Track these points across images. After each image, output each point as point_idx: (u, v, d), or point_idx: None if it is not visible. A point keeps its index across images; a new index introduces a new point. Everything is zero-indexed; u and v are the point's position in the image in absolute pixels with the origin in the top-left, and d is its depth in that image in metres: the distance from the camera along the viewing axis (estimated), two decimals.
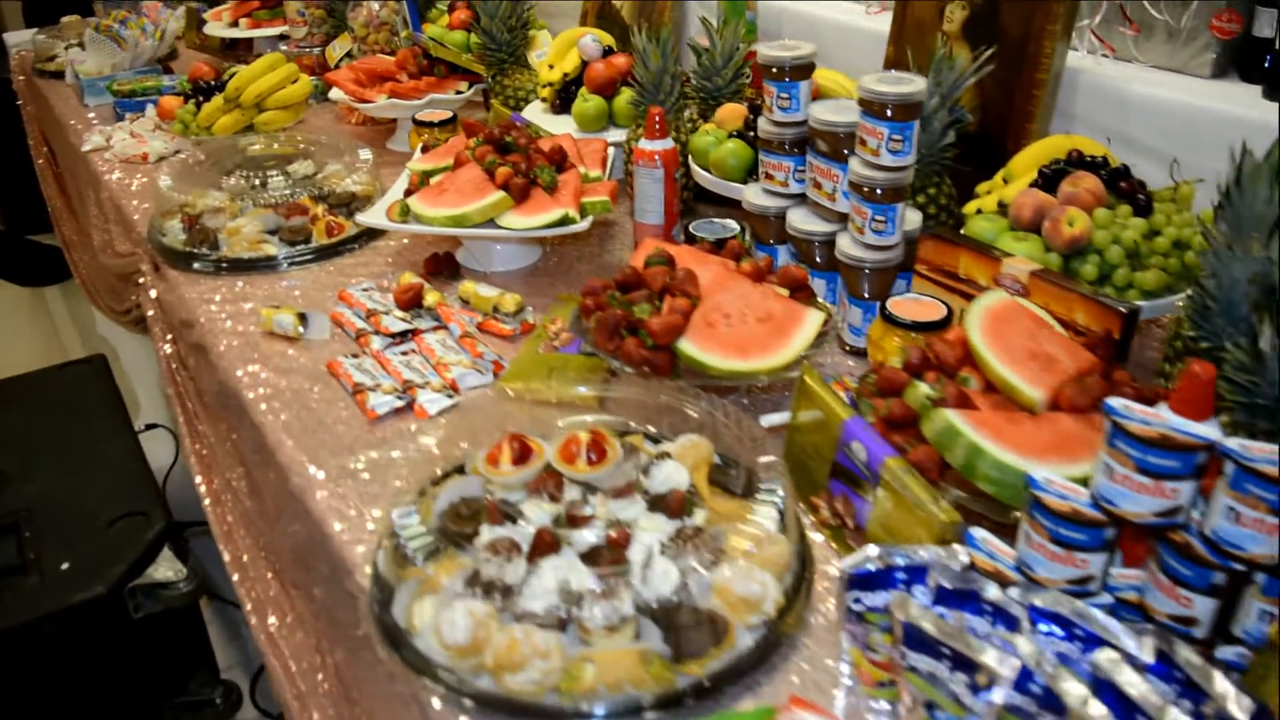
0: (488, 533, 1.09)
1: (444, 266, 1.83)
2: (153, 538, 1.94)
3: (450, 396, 1.45)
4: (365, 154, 2.14)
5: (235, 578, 1.64)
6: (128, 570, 1.88)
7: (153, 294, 1.98)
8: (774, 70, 1.60)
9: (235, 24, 3.29)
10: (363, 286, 1.77)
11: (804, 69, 1.59)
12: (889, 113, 1.42)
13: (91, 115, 2.92)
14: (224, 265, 1.89)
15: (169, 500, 2.13)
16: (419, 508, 1.13)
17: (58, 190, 3.35)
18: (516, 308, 1.64)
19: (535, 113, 2.37)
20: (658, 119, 1.73)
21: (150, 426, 2.61)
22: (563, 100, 2.33)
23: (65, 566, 1.88)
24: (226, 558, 1.68)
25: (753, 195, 1.69)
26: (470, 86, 2.51)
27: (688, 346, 1.31)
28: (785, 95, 1.59)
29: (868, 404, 1.18)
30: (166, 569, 1.91)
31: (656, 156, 1.73)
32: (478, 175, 1.79)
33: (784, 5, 2.28)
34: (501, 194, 1.74)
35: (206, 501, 1.76)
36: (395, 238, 1.99)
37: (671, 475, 1.15)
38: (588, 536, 1.08)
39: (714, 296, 1.37)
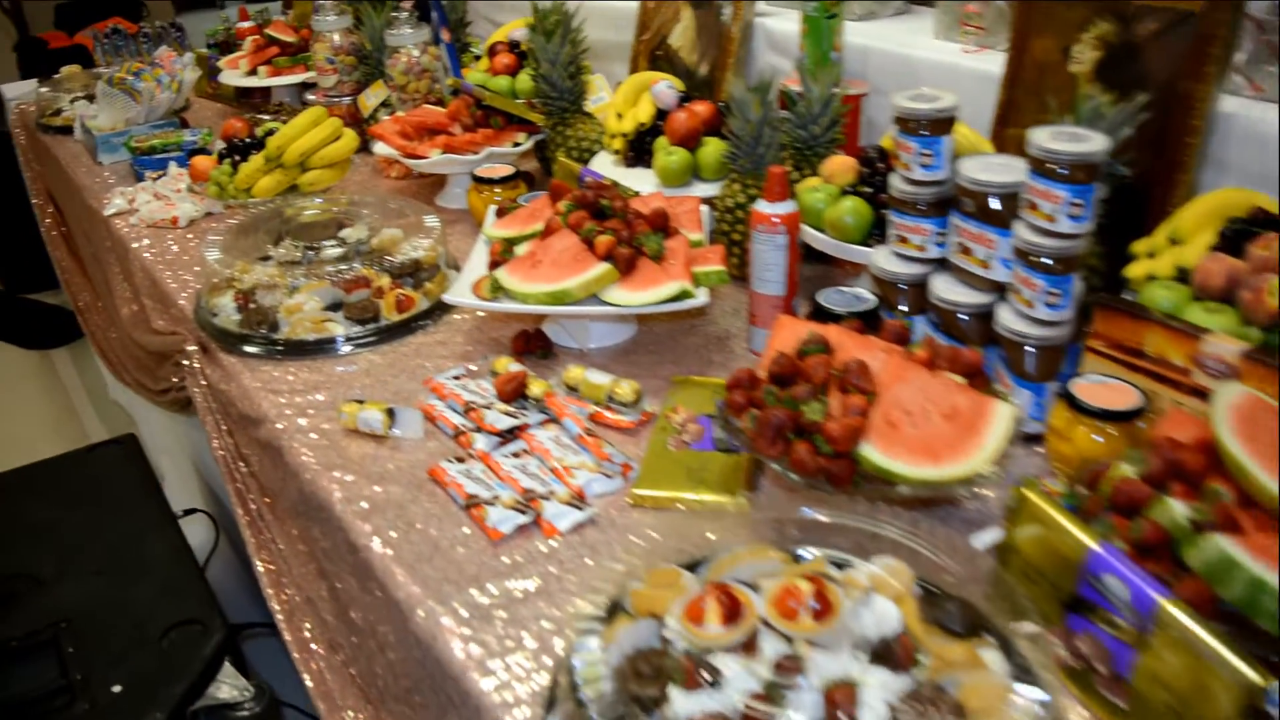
0: (681, 700, 0.91)
1: (535, 344, 1.66)
2: (212, 651, 1.75)
3: (579, 508, 1.27)
4: (432, 220, 1.95)
5: (322, 708, 1.45)
6: (187, 691, 1.69)
7: (203, 381, 1.80)
8: (911, 124, 1.44)
9: (253, 72, 3.11)
10: (452, 374, 1.59)
11: (945, 122, 1.44)
12: (1067, 174, 1.26)
13: (107, 174, 2.74)
14: (284, 348, 1.71)
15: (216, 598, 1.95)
16: (585, 669, 0.96)
17: (67, 251, 3.15)
18: (635, 396, 1.47)
19: (605, 166, 2.20)
20: (779, 179, 1.57)
21: (189, 512, 2.41)
22: (636, 152, 2.17)
23: (117, 689, 1.69)
24: (309, 682, 1.49)
25: (883, 260, 1.53)
26: (529, 138, 2.34)
27: (871, 452, 1.14)
28: (927, 151, 1.43)
29: (1107, 524, 1.02)
30: (230, 687, 1.72)
31: (779, 221, 1.57)
32: (574, 244, 1.62)
33: (868, 44, 2.13)
34: (606, 266, 1.57)
35: (279, 616, 1.57)
36: (471, 310, 1.81)
37: (884, 614, 0.98)
38: (804, 699, 0.91)
39: (889, 390, 1.20)
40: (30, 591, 1.94)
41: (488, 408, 1.46)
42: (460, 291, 1.63)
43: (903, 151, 1.47)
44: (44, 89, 3.38)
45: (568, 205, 1.72)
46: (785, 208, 1.57)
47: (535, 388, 1.49)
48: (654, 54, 2.59)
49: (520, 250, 1.74)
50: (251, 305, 1.77)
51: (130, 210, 2.43)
